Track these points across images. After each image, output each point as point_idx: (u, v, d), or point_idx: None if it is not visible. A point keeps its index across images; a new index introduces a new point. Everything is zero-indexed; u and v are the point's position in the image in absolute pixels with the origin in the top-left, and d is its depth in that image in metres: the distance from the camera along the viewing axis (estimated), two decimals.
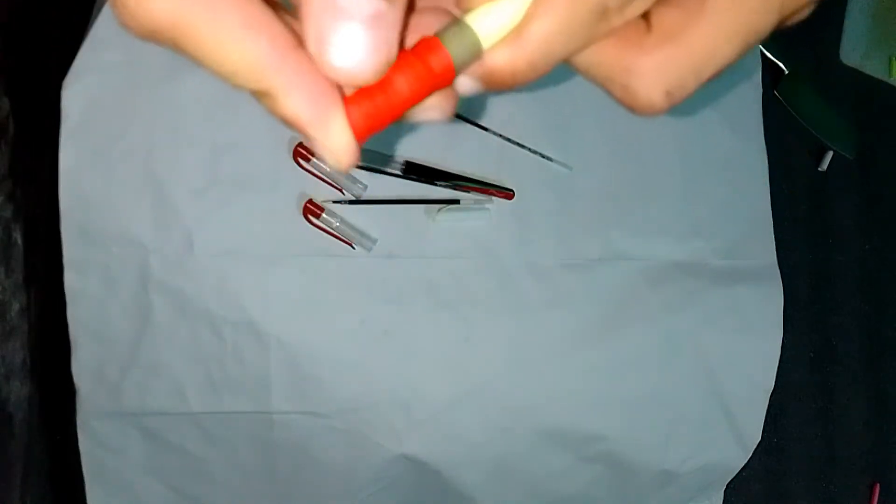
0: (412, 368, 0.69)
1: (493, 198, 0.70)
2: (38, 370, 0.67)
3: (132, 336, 0.67)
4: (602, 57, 0.32)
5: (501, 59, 0.30)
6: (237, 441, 0.69)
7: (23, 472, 0.65)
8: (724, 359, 0.73)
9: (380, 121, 0.28)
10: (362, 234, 0.68)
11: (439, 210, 0.69)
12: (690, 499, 0.75)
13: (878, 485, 0.78)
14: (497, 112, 0.71)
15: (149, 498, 0.69)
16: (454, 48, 0.28)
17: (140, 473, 0.69)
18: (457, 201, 0.69)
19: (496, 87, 0.31)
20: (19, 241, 0.65)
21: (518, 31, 0.29)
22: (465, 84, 0.30)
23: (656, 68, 0.32)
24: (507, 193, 0.70)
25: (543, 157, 0.71)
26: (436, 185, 0.69)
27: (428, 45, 0.28)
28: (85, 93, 0.64)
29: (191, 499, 0.70)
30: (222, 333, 0.67)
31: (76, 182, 0.64)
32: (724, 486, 0.76)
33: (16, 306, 0.65)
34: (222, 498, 0.70)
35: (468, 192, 0.70)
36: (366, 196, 0.68)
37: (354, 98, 0.28)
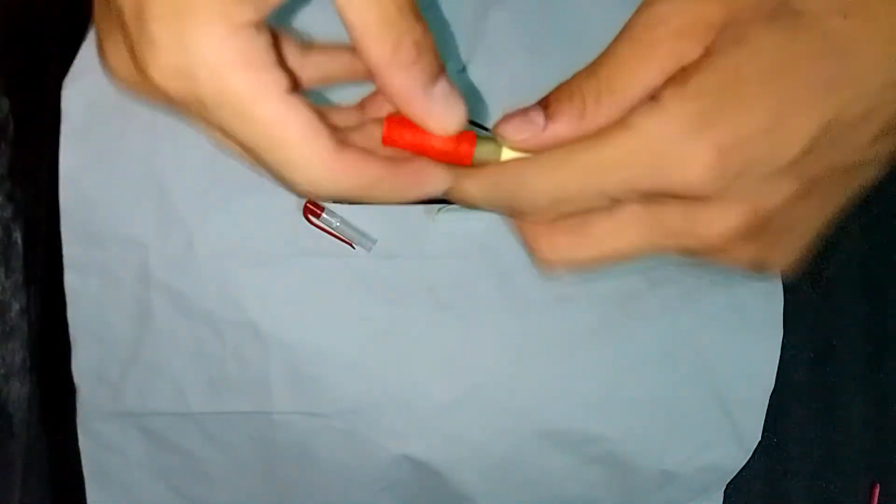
0: (413, 369, 0.69)
1: None
2: (38, 370, 0.67)
3: (132, 336, 0.67)
4: None
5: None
6: (237, 441, 0.69)
7: (22, 472, 0.65)
8: (724, 358, 0.73)
9: (404, 143, 0.38)
10: (362, 234, 0.68)
11: (439, 210, 0.69)
12: (690, 499, 0.75)
13: (878, 485, 0.78)
14: (499, 112, 0.71)
15: (149, 498, 0.69)
16: (480, 149, 0.38)
17: (140, 474, 0.69)
18: None
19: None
20: (19, 241, 0.65)
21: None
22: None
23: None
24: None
25: None
26: None
27: (468, 135, 0.39)
28: (85, 92, 0.64)
29: (191, 499, 0.70)
30: (223, 333, 0.67)
31: (76, 182, 0.64)
32: (724, 487, 0.76)
33: (16, 306, 0.65)
34: (223, 498, 0.70)
35: None
36: None
37: (400, 120, 0.38)
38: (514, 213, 0.37)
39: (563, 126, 0.35)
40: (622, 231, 0.36)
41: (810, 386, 0.79)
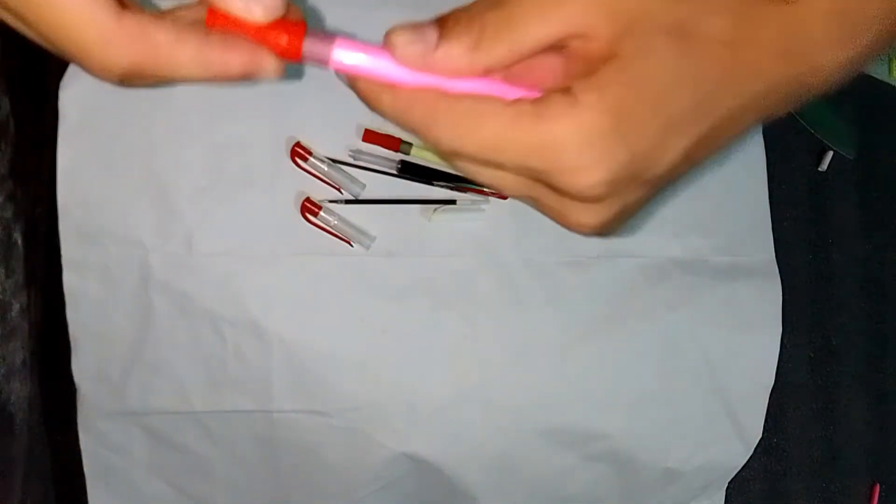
0: (413, 367, 0.70)
1: (491, 196, 0.71)
2: (39, 370, 0.67)
3: (133, 335, 0.67)
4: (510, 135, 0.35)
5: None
6: (239, 440, 0.69)
7: (24, 472, 0.65)
8: (724, 355, 0.73)
9: (229, 27, 0.36)
10: (360, 231, 0.68)
11: (435, 210, 0.69)
12: (693, 497, 0.75)
13: (879, 485, 0.78)
14: None
15: (150, 497, 0.70)
16: (308, 46, 0.36)
17: (142, 472, 0.69)
18: (453, 201, 0.70)
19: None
20: (19, 241, 0.65)
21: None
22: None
23: (587, 136, 0.34)
24: (502, 194, 0.70)
25: None
26: (433, 184, 0.70)
27: (296, 28, 0.36)
28: (83, 93, 0.64)
29: (193, 497, 0.70)
30: (223, 332, 0.67)
31: (75, 182, 0.64)
32: (726, 485, 0.75)
33: (16, 306, 0.65)
34: (224, 496, 0.70)
35: (464, 191, 0.70)
36: (364, 195, 0.69)
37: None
38: (418, 137, 0.37)
39: (454, 51, 0.35)
40: (502, 177, 0.37)
41: (810, 386, 0.78)
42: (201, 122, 0.66)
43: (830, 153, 0.80)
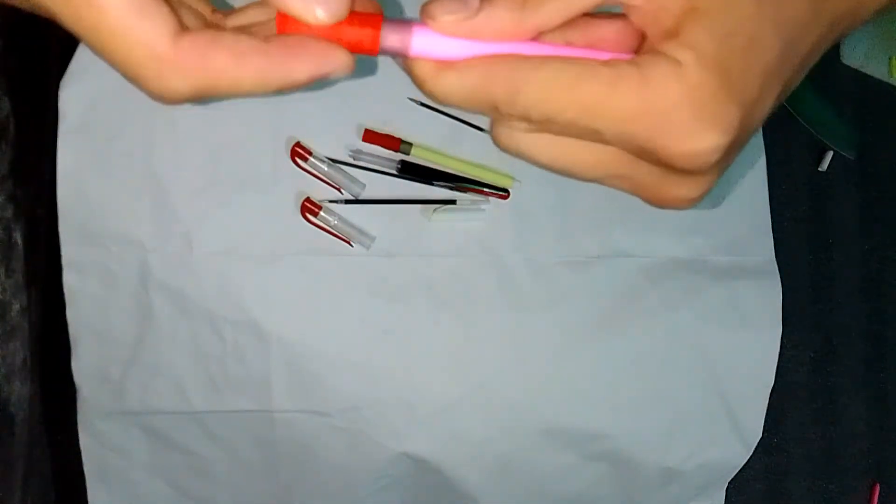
0: (413, 367, 0.70)
1: (491, 196, 0.71)
2: (39, 370, 0.67)
3: (133, 335, 0.67)
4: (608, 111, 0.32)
5: (423, 70, 0.34)
6: (239, 440, 0.69)
7: (24, 472, 0.65)
8: (725, 355, 0.73)
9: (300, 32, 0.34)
10: (361, 231, 0.68)
11: (435, 210, 0.69)
12: (693, 497, 0.75)
13: (879, 485, 0.78)
14: None
15: (151, 497, 0.70)
16: (388, 36, 0.33)
17: (142, 472, 0.69)
18: (453, 201, 0.70)
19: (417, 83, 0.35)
20: (19, 241, 0.65)
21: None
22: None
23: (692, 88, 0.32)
24: (502, 194, 0.70)
25: None
26: (433, 184, 0.69)
27: (372, 20, 0.34)
28: (83, 93, 0.64)
29: (192, 497, 0.70)
30: (222, 332, 0.67)
31: (75, 182, 0.65)
32: (726, 485, 0.75)
33: (16, 306, 0.65)
34: (224, 496, 0.70)
35: (464, 191, 0.70)
36: (364, 195, 0.69)
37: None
38: (494, 115, 0.35)
39: (499, 12, 0.33)
40: (587, 157, 0.35)
41: (810, 386, 0.78)
42: (201, 121, 0.66)
43: (830, 153, 0.79)
